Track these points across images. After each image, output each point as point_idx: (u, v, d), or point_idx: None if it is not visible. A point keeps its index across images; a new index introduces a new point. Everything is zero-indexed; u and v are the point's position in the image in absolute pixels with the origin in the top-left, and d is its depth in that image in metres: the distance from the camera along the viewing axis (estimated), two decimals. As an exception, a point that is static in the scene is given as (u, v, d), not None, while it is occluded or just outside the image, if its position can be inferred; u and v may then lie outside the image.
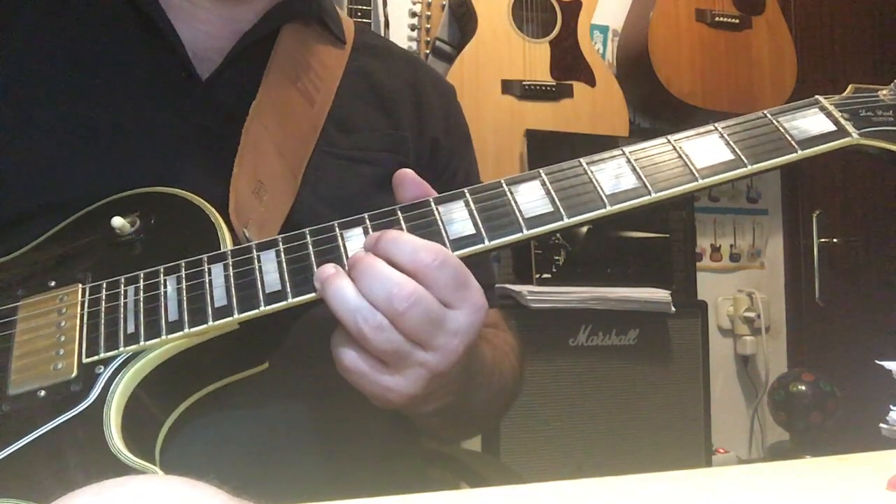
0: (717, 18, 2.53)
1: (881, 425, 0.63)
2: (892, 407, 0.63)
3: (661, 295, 2.06)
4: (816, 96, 0.70)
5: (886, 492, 0.52)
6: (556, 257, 2.08)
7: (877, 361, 0.66)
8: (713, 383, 2.22)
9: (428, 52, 2.41)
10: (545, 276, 2.06)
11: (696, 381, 2.12)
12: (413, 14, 2.48)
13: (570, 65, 2.38)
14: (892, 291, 2.87)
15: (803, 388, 2.52)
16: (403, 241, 0.60)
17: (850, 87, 0.72)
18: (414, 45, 2.46)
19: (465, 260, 0.63)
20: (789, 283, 2.91)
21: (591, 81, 2.38)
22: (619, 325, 2.04)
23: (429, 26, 2.44)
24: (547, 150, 2.13)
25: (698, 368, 2.12)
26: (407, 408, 0.66)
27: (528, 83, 2.31)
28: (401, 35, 2.45)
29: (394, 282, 0.58)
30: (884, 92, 0.70)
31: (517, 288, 1.98)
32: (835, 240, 2.85)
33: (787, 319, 2.91)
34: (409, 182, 0.66)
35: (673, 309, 2.06)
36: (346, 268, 0.61)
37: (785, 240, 2.92)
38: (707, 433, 2.12)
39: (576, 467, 1.93)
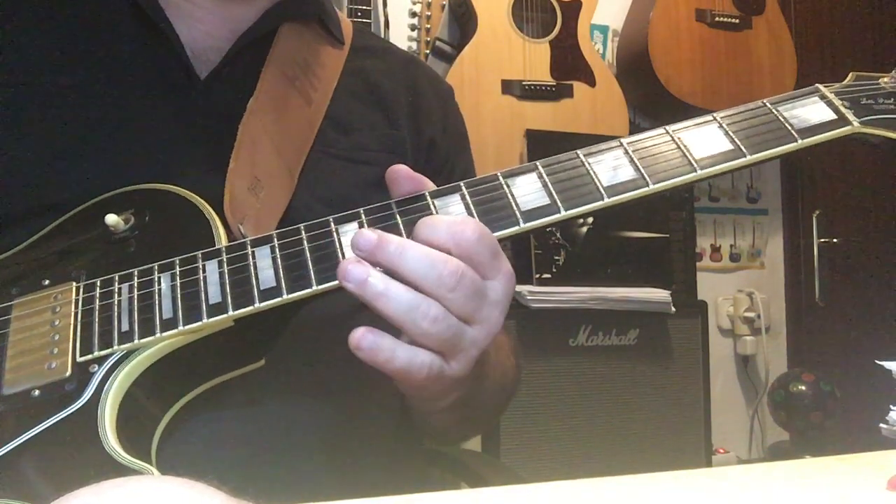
0: (717, 18, 2.53)
1: (881, 425, 0.63)
2: (892, 407, 0.62)
3: (661, 295, 2.06)
4: (816, 85, 0.69)
5: (886, 492, 0.52)
6: (556, 257, 2.07)
7: (877, 361, 0.65)
8: (713, 383, 2.21)
9: (428, 52, 2.41)
10: (545, 276, 2.06)
11: (696, 381, 2.11)
12: (413, 14, 2.48)
13: (570, 65, 2.38)
14: (893, 291, 2.86)
15: (803, 388, 2.52)
16: (438, 221, 0.59)
17: (850, 74, 0.71)
18: (414, 45, 2.46)
19: None
20: (789, 283, 2.91)
21: (591, 81, 2.38)
22: (619, 325, 2.04)
23: (429, 26, 2.44)
24: (547, 150, 2.10)
25: (698, 368, 2.12)
26: (426, 402, 0.65)
27: (528, 83, 2.31)
28: (401, 35, 2.45)
29: (439, 260, 0.58)
30: (885, 79, 0.70)
31: (517, 288, 1.98)
32: (835, 240, 2.85)
33: (787, 319, 2.91)
34: (404, 177, 0.65)
35: (673, 309, 2.06)
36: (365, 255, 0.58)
37: (785, 240, 2.92)
38: (707, 433, 2.12)
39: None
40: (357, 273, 0.58)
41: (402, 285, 0.58)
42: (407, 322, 0.58)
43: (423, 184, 0.65)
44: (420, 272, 0.57)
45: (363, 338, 0.58)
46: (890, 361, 0.63)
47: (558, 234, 2.07)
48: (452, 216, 0.61)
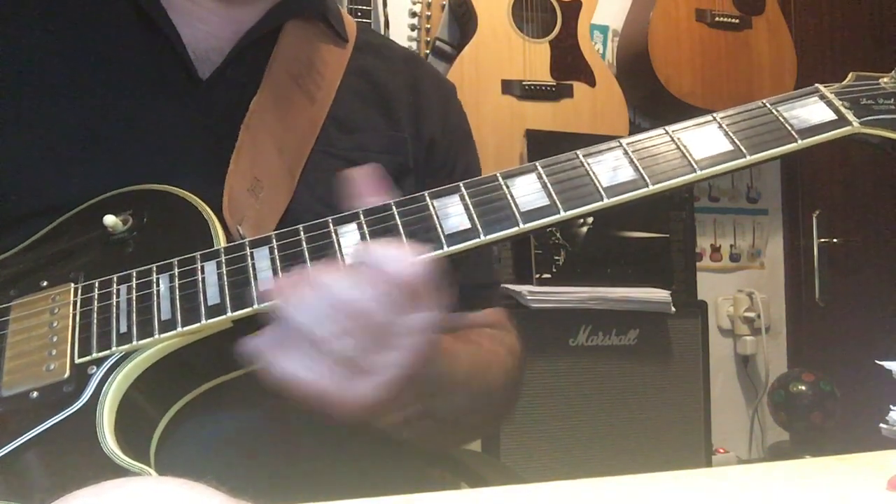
0: (717, 18, 2.53)
1: (881, 425, 0.63)
2: (892, 407, 0.62)
3: (661, 295, 2.06)
4: (816, 85, 0.69)
5: (886, 492, 0.52)
6: (556, 257, 2.07)
7: (877, 361, 0.65)
8: (713, 383, 2.21)
9: (428, 52, 2.41)
10: (545, 276, 2.06)
11: (696, 381, 2.11)
12: (413, 14, 2.48)
13: (570, 65, 2.38)
14: (893, 291, 2.86)
15: (803, 388, 2.52)
16: (376, 250, 0.58)
17: (850, 74, 0.71)
18: (414, 45, 2.46)
19: (467, 256, 0.62)
20: (789, 283, 2.91)
21: (591, 81, 2.38)
22: (619, 325, 2.04)
23: (429, 26, 2.44)
24: (547, 150, 2.09)
25: (698, 368, 2.12)
26: (372, 417, 0.64)
27: (528, 83, 2.31)
28: (401, 35, 2.44)
29: (359, 282, 0.57)
30: (885, 79, 0.70)
31: (517, 288, 1.98)
32: (835, 240, 2.85)
33: (787, 319, 2.90)
34: (362, 180, 0.65)
35: (673, 309, 2.06)
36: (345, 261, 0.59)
37: (785, 240, 2.91)
38: (707, 433, 2.12)
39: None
40: (276, 288, 0.59)
41: (312, 300, 0.57)
42: (316, 333, 0.57)
43: (381, 190, 0.65)
44: (336, 292, 0.57)
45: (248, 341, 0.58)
46: (890, 361, 0.63)
47: (558, 234, 2.07)
48: (390, 248, 0.59)
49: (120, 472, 0.53)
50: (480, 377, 0.79)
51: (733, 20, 2.55)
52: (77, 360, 0.60)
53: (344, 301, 0.57)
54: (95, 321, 0.62)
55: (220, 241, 0.66)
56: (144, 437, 0.61)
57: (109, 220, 0.67)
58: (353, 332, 0.57)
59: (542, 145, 2.18)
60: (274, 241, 0.63)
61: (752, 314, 2.75)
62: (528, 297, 1.94)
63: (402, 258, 0.58)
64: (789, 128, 0.66)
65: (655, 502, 0.52)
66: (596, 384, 2.01)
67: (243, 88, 0.80)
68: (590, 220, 2.10)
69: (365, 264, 0.58)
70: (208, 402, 0.65)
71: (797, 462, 0.62)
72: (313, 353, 0.58)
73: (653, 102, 2.59)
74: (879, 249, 2.95)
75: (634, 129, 2.50)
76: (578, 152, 0.66)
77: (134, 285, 0.63)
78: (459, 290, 0.90)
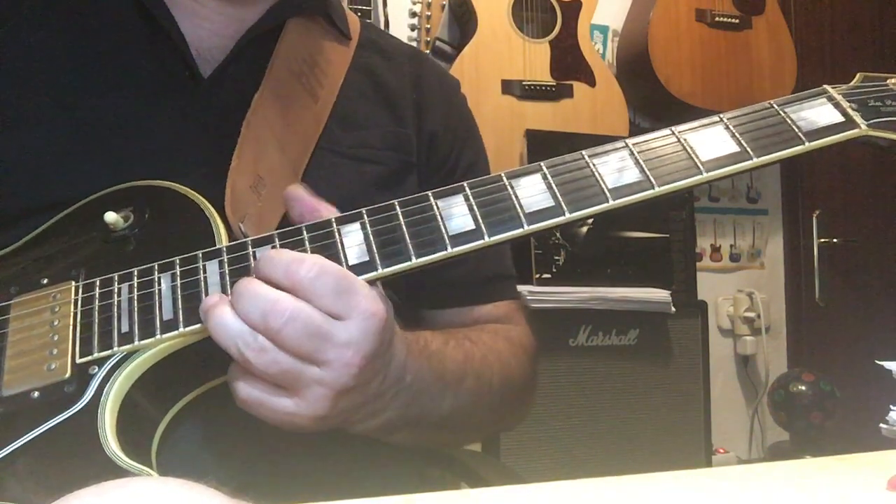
0: (717, 18, 2.53)
1: (881, 425, 0.63)
2: (892, 407, 0.62)
3: (661, 295, 2.06)
4: (824, 86, 0.68)
5: (886, 492, 0.52)
6: (556, 257, 2.07)
7: (877, 361, 0.65)
8: (713, 383, 2.21)
9: (428, 52, 2.41)
10: (545, 276, 2.06)
11: (696, 381, 2.11)
12: (413, 14, 2.48)
13: (570, 65, 2.38)
14: (893, 291, 2.86)
15: (803, 388, 2.52)
16: (278, 257, 0.58)
17: (858, 75, 0.70)
18: (414, 45, 2.46)
19: (473, 251, 0.62)
20: (789, 283, 2.91)
21: (591, 81, 2.38)
22: (619, 325, 2.04)
23: (429, 26, 2.44)
24: (547, 150, 2.10)
25: (698, 368, 2.12)
26: (335, 427, 0.64)
27: (528, 83, 2.31)
28: (401, 35, 2.44)
29: (268, 299, 0.57)
30: (893, 80, 0.68)
31: (517, 287, 1.98)
32: (835, 240, 2.85)
33: (787, 319, 2.90)
34: (296, 199, 0.65)
35: (673, 309, 2.06)
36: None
37: (785, 240, 2.92)
38: (707, 433, 2.12)
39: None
40: (206, 302, 0.59)
41: (233, 315, 0.57)
42: (231, 348, 0.57)
43: (318, 206, 0.65)
44: (248, 311, 0.57)
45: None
46: (890, 361, 0.63)
47: (558, 234, 2.07)
48: (294, 253, 0.59)
49: (121, 474, 0.53)
50: (476, 376, 0.78)
51: (733, 20, 2.55)
52: (78, 360, 0.60)
53: (255, 321, 0.57)
54: (97, 320, 0.62)
55: (223, 239, 0.65)
56: (146, 438, 0.60)
57: (111, 217, 0.66)
58: (270, 351, 0.57)
59: (542, 145, 2.18)
60: (277, 240, 0.63)
61: (752, 314, 2.75)
62: (528, 297, 1.94)
63: (310, 259, 0.58)
64: (797, 130, 0.65)
65: (655, 502, 0.52)
66: (596, 384, 2.01)
67: (245, 86, 0.80)
68: (590, 220, 2.10)
69: (277, 279, 0.58)
70: (210, 402, 0.65)
71: (797, 462, 0.62)
72: (245, 369, 0.59)
73: (653, 102, 2.59)
74: (879, 249, 2.95)
75: (634, 128, 2.51)
76: (584, 153, 0.64)
77: (135, 284, 0.63)
78: (468, 283, 0.90)
